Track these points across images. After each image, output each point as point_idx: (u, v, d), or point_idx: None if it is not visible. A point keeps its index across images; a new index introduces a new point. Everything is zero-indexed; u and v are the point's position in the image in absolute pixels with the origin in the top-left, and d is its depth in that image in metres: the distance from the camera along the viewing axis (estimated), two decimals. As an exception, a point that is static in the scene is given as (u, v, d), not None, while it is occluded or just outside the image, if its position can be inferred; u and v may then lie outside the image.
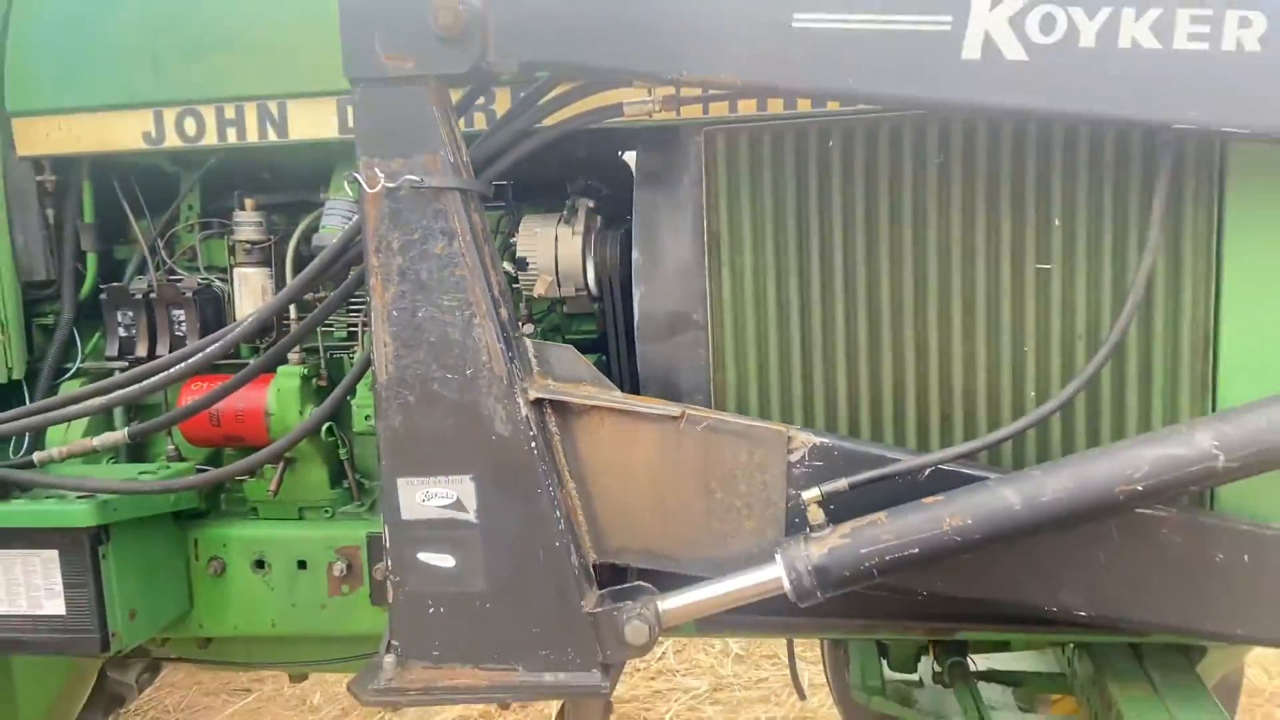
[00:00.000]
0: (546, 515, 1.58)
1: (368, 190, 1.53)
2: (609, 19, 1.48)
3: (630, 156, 2.01)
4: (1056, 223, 1.57)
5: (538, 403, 1.57)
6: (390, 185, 1.53)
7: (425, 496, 1.59)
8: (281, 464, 1.96)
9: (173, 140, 1.89)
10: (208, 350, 1.71)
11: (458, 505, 1.58)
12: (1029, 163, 1.57)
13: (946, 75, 1.40)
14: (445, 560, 1.60)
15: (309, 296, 1.94)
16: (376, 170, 1.53)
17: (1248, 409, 1.40)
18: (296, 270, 1.97)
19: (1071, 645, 2.04)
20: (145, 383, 1.74)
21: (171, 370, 1.72)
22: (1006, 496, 1.44)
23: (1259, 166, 1.49)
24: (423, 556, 1.61)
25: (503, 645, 1.61)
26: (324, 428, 1.91)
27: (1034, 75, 1.37)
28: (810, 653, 3.87)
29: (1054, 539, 1.51)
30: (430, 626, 1.62)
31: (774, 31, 1.43)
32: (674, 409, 1.59)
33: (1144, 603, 1.55)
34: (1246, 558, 1.52)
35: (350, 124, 1.83)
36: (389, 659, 1.63)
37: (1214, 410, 1.55)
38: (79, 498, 1.77)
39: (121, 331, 2.03)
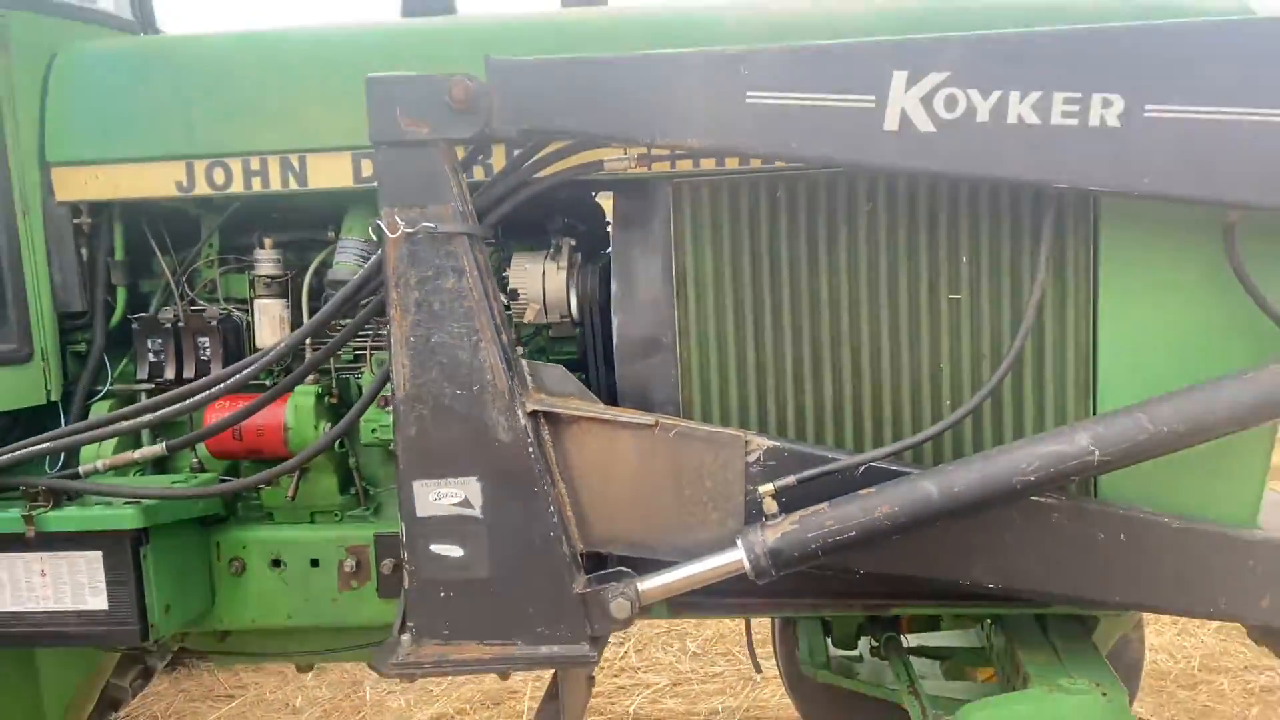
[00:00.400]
0: (542, 510, 1.85)
1: (389, 235, 1.80)
2: (593, 94, 1.77)
3: (601, 198, 2.32)
4: (965, 260, 1.89)
5: (534, 414, 1.85)
6: (409, 231, 1.80)
7: (437, 496, 1.86)
8: (297, 473, 2.20)
9: (202, 188, 2.14)
10: (245, 371, 1.97)
11: (465, 503, 1.85)
12: (941, 212, 1.89)
13: (871, 143, 1.71)
14: (454, 551, 1.87)
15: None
16: (397, 218, 1.80)
17: (1118, 413, 1.72)
18: (311, 300, 2.23)
19: (989, 621, 2.36)
20: (191, 399, 1.99)
21: (214, 389, 1.97)
22: (926, 488, 1.75)
23: (1125, 215, 1.82)
24: (435, 548, 1.87)
25: (504, 623, 1.88)
26: None
27: (941, 144, 1.69)
28: (763, 648, 4.18)
29: (967, 523, 1.81)
30: (441, 608, 1.88)
31: (731, 106, 1.73)
32: (649, 419, 1.88)
33: (1040, 576, 1.86)
34: (1122, 536, 1.84)
35: (361, 175, 2.09)
36: (405, 637, 1.89)
37: (1094, 412, 1.87)
38: (125, 503, 2.01)
39: (151, 357, 2.26)
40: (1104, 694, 1.86)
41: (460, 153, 1.88)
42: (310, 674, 4.02)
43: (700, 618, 3.29)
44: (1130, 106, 1.65)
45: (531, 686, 3.85)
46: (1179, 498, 1.86)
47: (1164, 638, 4.17)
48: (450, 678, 4.00)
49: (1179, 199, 1.71)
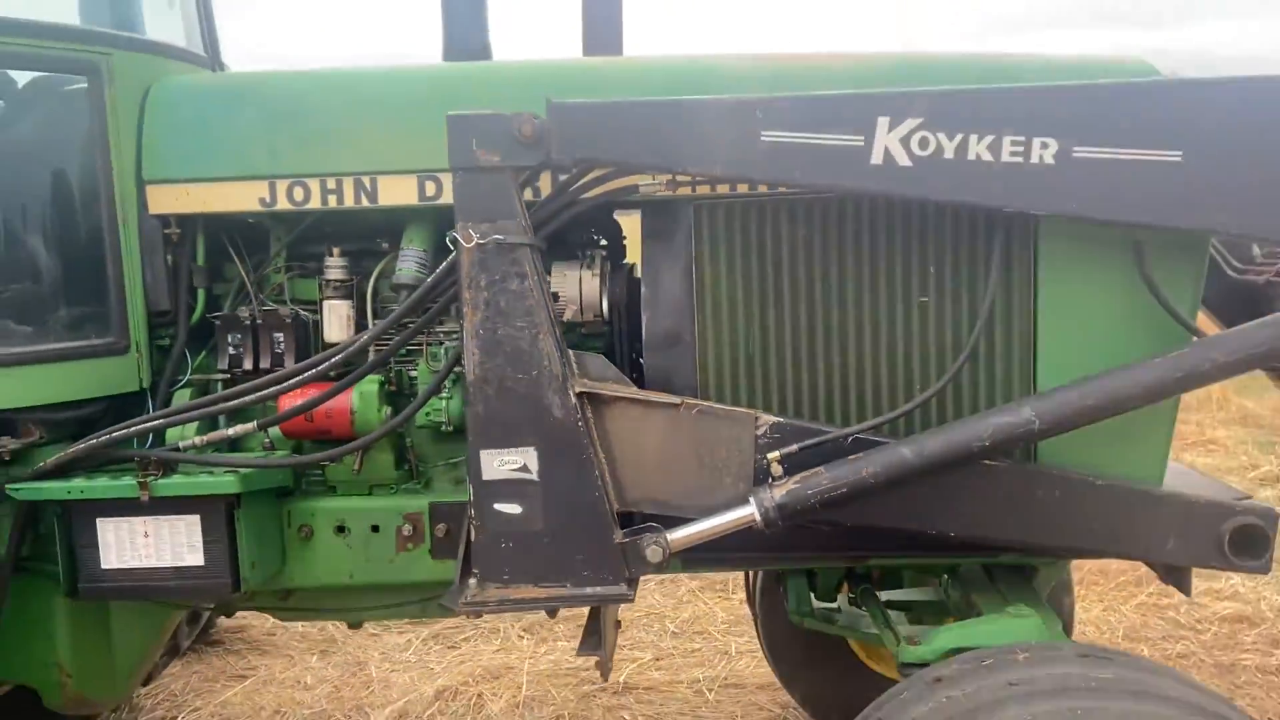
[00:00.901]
0: (587, 474, 2.23)
1: (464, 245, 2.17)
2: (635, 131, 2.16)
3: (619, 215, 2.70)
4: (932, 270, 2.32)
5: (581, 395, 2.23)
6: (481, 241, 2.17)
7: (500, 462, 2.22)
8: (362, 450, 2.55)
9: (283, 204, 2.48)
10: (333, 359, 2.32)
11: (524, 469, 2.22)
12: (914, 229, 2.31)
13: (860, 173, 2.13)
14: (514, 508, 2.23)
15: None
16: (470, 230, 2.17)
17: (1053, 391, 2.16)
18: (374, 302, 2.58)
19: (946, 577, 2.77)
20: (286, 384, 2.34)
21: (306, 375, 2.32)
22: (903, 452, 2.17)
23: (1059, 233, 2.26)
24: (498, 506, 2.23)
25: (555, 568, 2.24)
26: None
27: (915, 175, 2.11)
28: (735, 629, 4.58)
29: (935, 482, 2.22)
30: (502, 557, 2.24)
31: (749, 142, 2.13)
32: (675, 399, 2.27)
33: (992, 525, 2.29)
34: (1057, 493, 2.28)
35: (425, 194, 2.45)
36: (472, 581, 2.25)
37: (1034, 391, 2.31)
38: (225, 472, 2.34)
39: (230, 350, 2.58)
40: (1042, 619, 2.29)
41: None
42: (316, 658, 4.33)
43: (710, 571, 3.61)
44: (1062, 148, 2.09)
45: (528, 662, 4.20)
46: (1101, 461, 2.30)
47: (1091, 613, 4.66)
48: (450, 655, 4.33)
49: (1100, 221, 2.16)
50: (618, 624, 2.75)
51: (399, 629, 4.64)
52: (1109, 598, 4.86)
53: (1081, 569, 5.11)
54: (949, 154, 2.11)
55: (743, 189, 2.33)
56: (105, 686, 2.82)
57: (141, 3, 2.88)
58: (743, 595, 4.72)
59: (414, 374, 2.62)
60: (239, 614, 3.77)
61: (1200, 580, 5.04)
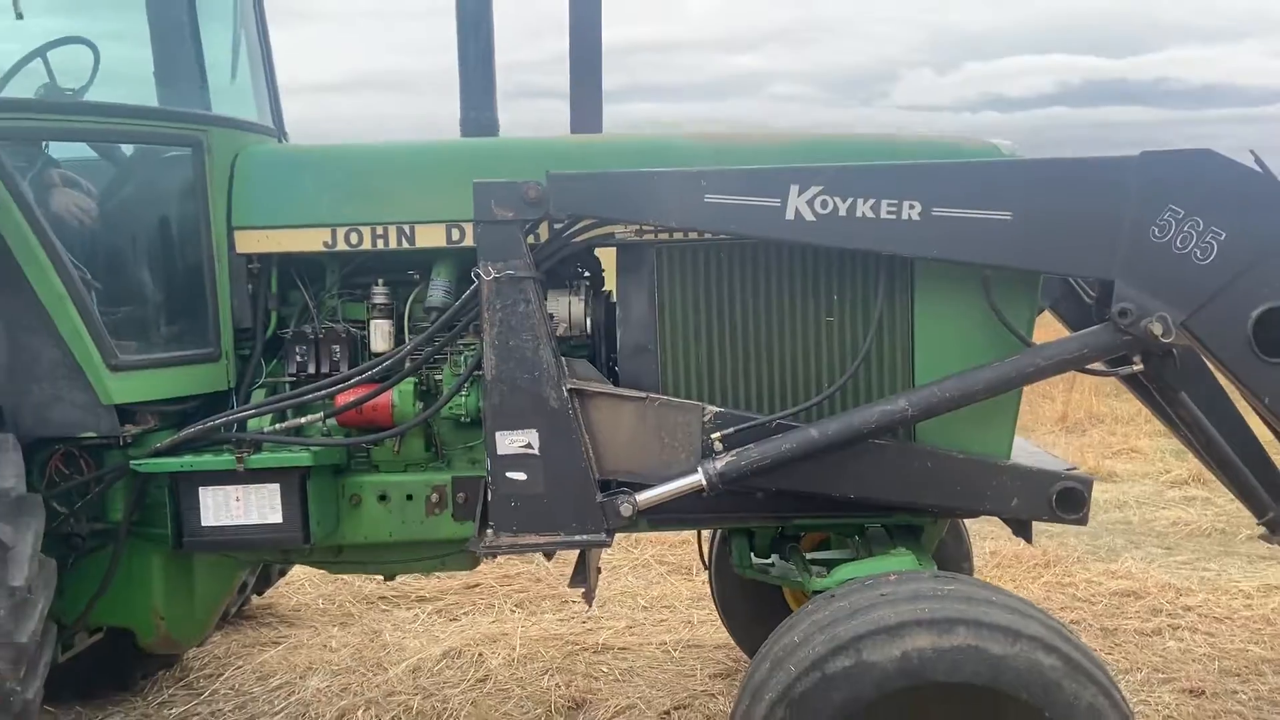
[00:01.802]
0: (576, 451, 2.95)
1: (484, 278, 2.91)
2: (612, 193, 2.92)
3: (599, 252, 3.44)
4: (835, 297, 3.08)
5: (571, 390, 2.96)
6: (497, 275, 2.91)
7: (511, 441, 2.95)
8: (400, 436, 3.27)
9: (341, 246, 3.21)
10: (379, 366, 3.06)
11: (529, 446, 2.94)
12: (820, 266, 3.07)
13: (777, 226, 2.88)
14: (521, 476, 2.95)
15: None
16: (489, 267, 2.91)
17: (923, 387, 2.93)
18: (409, 321, 3.31)
19: (856, 538, 3.51)
20: (343, 385, 3.06)
21: (365, 375, 3.05)
22: (812, 433, 2.92)
23: (928, 271, 3.02)
24: (509, 474, 2.96)
25: (552, 522, 2.96)
26: None
27: (819, 227, 2.87)
28: (697, 604, 5.30)
29: (837, 455, 2.96)
30: (512, 513, 2.96)
31: (696, 203, 2.89)
32: (642, 395, 3.01)
33: (881, 489, 3.03)
34: (929, 464, 3.04)
35: (451, 239, 3.20)
36: (489, 531, 2.97)
37: (912, 388, 3.06)
38: (302, 450, 3.06)
39: (298, 358, 3.30)
40: (916, 558, 3.05)
41: (524, 227, 3.00)
42: (337, 628, 5.02)
43: (669, 529, 4.15)
44: (925, 208, 2.85)
45: (520, 629, 4.91)
46: (963, 440, 3.05)
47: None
48: (452, 625, 5.03)
49: (954, 262, 2.93)
50: (598, 570, 3.47)
51: (407, 605, 5.35)
52: (1020, 578, 5.62)
53: (999, 555, 5.90)
54: (843, 212, 2.87)
55: (693, 236, 3.08)
56: (188, 630, 3.53)
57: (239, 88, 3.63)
58: (703, 577, 5.47)
59: (439, 378, 3.34)
60: (264, 593, 4.50)
61: (1099, 563, 5.88)
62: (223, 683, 4.42)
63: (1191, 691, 4.22)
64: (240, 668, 4.58)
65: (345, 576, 5.71)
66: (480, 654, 4.61)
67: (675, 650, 4.71)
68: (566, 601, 5.34)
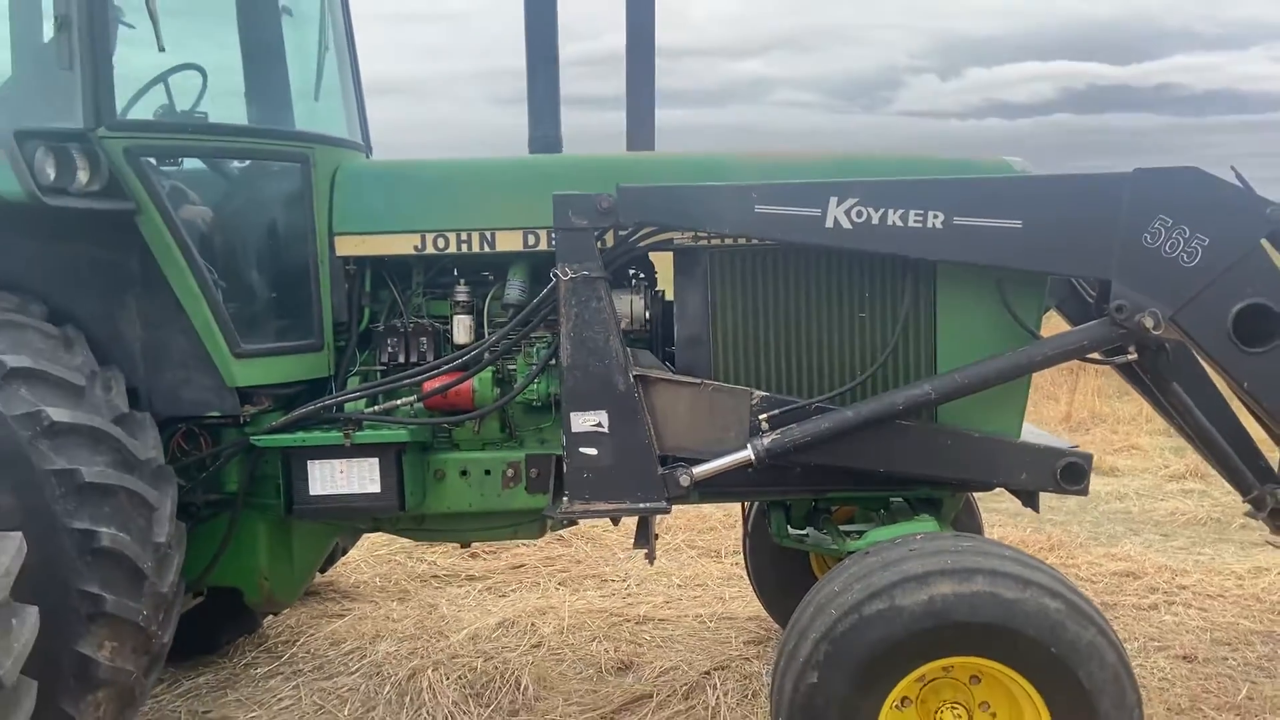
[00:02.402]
0: (640, 429, 3.37)
1: (562, 278, 3.33)
2: (672, 205, 3.34)
3: (653, 257, 3.86)
4: (867, 295, 3.51)
5: (636, 377, 3.38)
6: (573, 276, 3.33)
7: (584, 420, 3.37)
8: (480, 418, 3.69)
9: (429, 249, 3.63)
10: (475, 352, 3.48)
11: (599, 425, 3.36)
12: (855, 268, 3.50)
13: (818, 233, 3.31)
14: (592, 451, 3.37)
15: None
16: (566, 269, 3.33)
17: (944, 374, 3.35)
18: (495, 314, 3.72)
19: (882, 510, 3.93)
20: (431, 372, 3.49)
21: (454, 364, 3.48)
22: (848, 414, 3.34)
23: (950, 272, 3.45)
24: (581, 449, 3.37)
25: (619, 491, 3.37)
26: None
27: (854, 234, 3.30)
28: (728, 583, 5.72)
29: (870, 433, 3.38)
30: (585, 483, 3.37)
31: (748, 213, 3.32)
32: (698, 381, 3.44)
33: (908, 464, 3.45)
34: (949, 442, 3.46)
35: (527, 243, 3.62)
36: (564, 500, 3.39)
37: (934, 374, 3.48)
38: (399, 428, 3.48)
39: (389, 349, 3.73)
40: (937, 524, 3.47)
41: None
42: (396, 603, 5.44)
43: (718, 501, 4.53)
44: (947, 218, 3.28)
45: (567, 604, 5.33)
46: (979, 421, 3.47)
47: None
48: (503, 600, 5.45)
49: (972, 264, 3.36)
50: (656, 535, 3.89)
51: (458, 583, 5.77)
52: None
53: (1006, 540, 6.30)
54: (875, 221, 3.30)
55: (742, 241, 3.50)
56: (287, 590, 3.96)
57: (336, 110, 4.06)
58: (733, 560, 5.90)
59: (513, 367, 3.77)
60: (327, 571, 4.92)
61: (1100, 547, 6.28)
62: (299, 647, 4.84)
63: (1185, 658, 4.63)
64: (313, 635, 5.00)
65: (398, 557, 6.17)
66: (533, 623, 5.03)
67: (710, 621, 5.13)
68: (606, 580, 5.77)
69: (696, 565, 6.05)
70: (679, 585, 5.71)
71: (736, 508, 6.86)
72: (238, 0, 4.19)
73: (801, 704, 2.95)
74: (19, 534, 2.65)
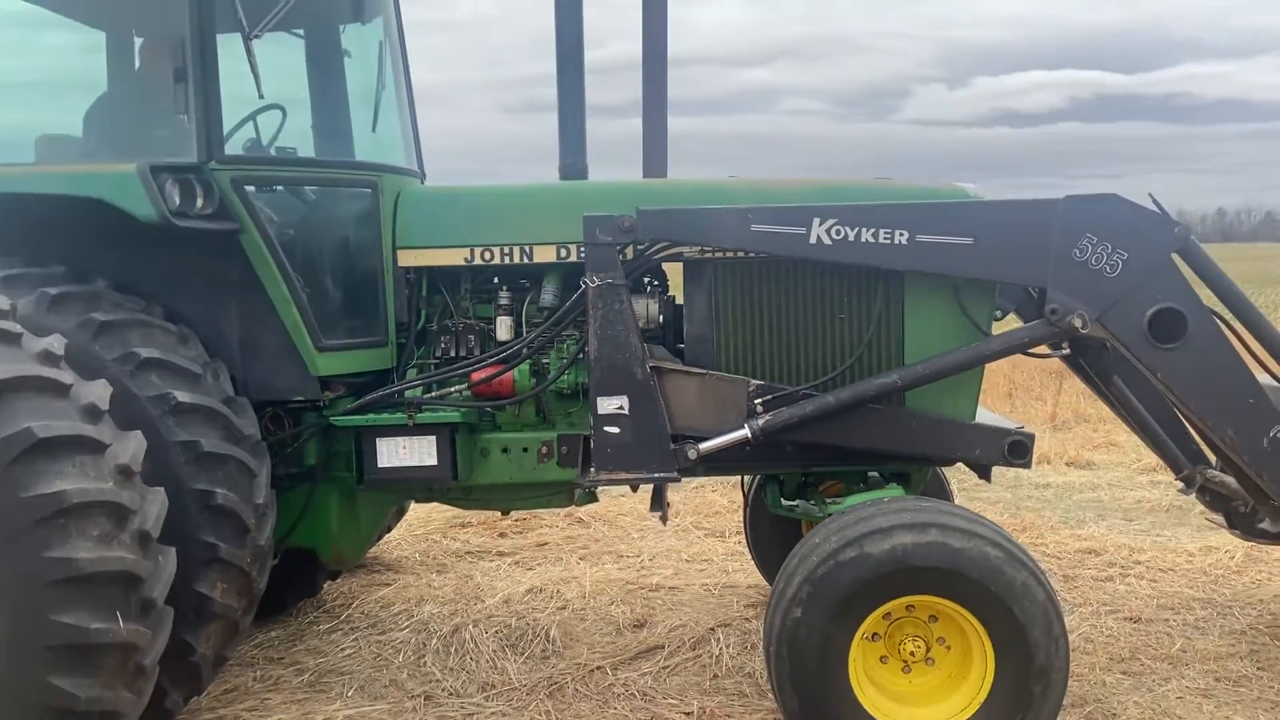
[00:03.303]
0: (656, 412, 4.03)
1: (590, 285, 3.99)
2: (683, 224, 4.02)
3: (665, 266, 4.53)
4: (845, 299, 4.17)
5: (652, 367, 4.05)
6: (599, 283, 4.00)
7: (608, 404, 4.02)
8: (519, 403, 4.36)
9: (478, 261, 4.31)
10: (518, 348, 4.16)
11: (621, 408, 4.01)
12: (836, 277, 4.16)
13: (803, 248, 3.98)
14: (615, 429, 4.03)
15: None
16: (594, 277, 4.00)
17: (909, 365, 4.02)
18: (531, 315, 4.39)
19: (862, 484, 4.58)
20: (486, 362, 4.17)
21: (497, 358, 4.15)
22: (829, 399, 4.01)
23: (915, 280, 4.11)
24: (606, 428, 4.03)
25: (637, 463, 4.03)
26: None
27: (834, 249, 3.96)
28: (730, 559, 6.38)
29: (848, 415, 4.03)
30: (609, 457, 4.02)
31: (744, 230, 3.99)
32: (703, 371, 4.10)
33: (880, 440, 4.11)
34: (914, 424, 4.12)
35: (560, 256, 4.29)
36: (591, 470, 4.05)
37: (902, 366, 4.14)
38: (453, 410, 4.15)
39: (442, 345, 4.40)
40: (905, 491, 4.13)
41: (617, 247, 4.10)
42: (435, 574, 6.11)
43: (721, 474, 5.31)
44: (912, 235, 3.94)
45: (588, 575, 5.99)
46: (939, 405, 4.13)
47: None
48: (529, 572, 6.11)
49: (933, 274, 4.02)
50: (668, 504, 4.54)
51: (489, 558, 6.44)
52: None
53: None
54: (852, 238, 3.96)
55: (741, 254, 4.17)
56: (353, 551, 4.64)
57: (395, 142, 4.75)
58: (735, 540, 6.56)
59: (546, 360, 4.44)
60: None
61: (1067, 528, 6.93)
62: (353, 609, 5.51)
63: (1131, 619, 5.27)
64: (365, 599, 5.67)
65: (434, 535, 6.85)
66: (558, 590, 5.70)
67: (715, 590, 5.79)
68: (622, 556, 6.43)
69: (703, 543, 6.71)
70: (687, 560, 6.37)
71: (739, 495, 7.54)
72: (306, 47, 4.87)
73: (788, 635, 3.61)
74: (161, 489, 3.32)
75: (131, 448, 3.15)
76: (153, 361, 3.62)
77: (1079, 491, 8.16)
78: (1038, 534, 6.73)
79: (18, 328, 3.09)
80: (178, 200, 3.68)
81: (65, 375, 3.08)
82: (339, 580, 5.94)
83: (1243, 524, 4.84)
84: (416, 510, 6.99)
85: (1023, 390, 12.52)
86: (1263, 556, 6.20)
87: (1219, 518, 4.97)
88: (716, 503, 7.58)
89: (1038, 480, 8.56)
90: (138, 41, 4.68)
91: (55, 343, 3.17)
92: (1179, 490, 4.77)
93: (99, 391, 3.16)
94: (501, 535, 6.84)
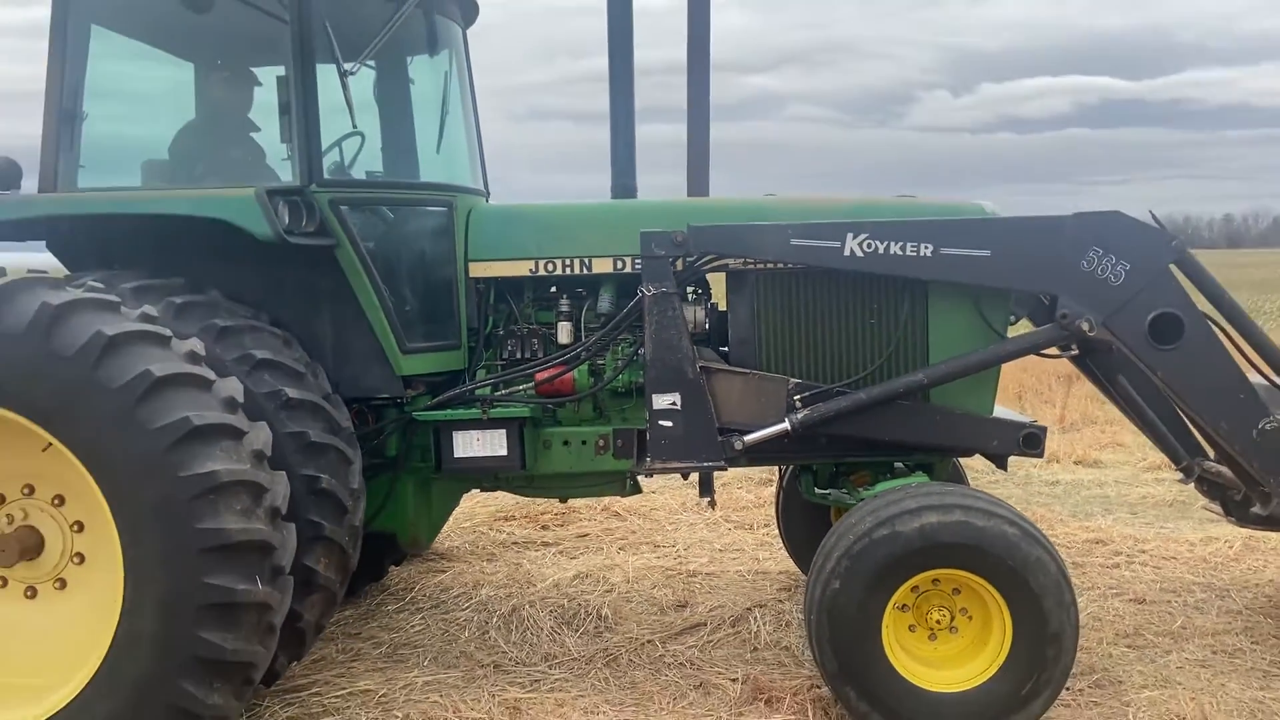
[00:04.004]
0: (705, 407, 4.48)
1: (646, 293, 4.46)
2: (729, 239, 4.48)
3: (710, 276, 4.99)
4: (875, 305, 4.63)
5: (701, 367, 4.51)
6: (654, 292, 4.46)
7: (662, 400, 4.48)
8: (579, 401, 4.83)
9: (541, 273, 4.78)
10: (577, 350, 4.63)
11: (674, 403, 4.47)
12: (867, 285, 4.61)
13: (838, 259, 4.44)
14: (668, 424, 4.49)
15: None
16: (650, 286, 4.47)
17: (934, 364, 4.48)
18: (589, 321, 4.86)
19: (889, 474, 5.03)
20: (549, 363, 4.64)
21: (559, 359, 4.62)
22: (861, 395, 4.47)
23: (938, 287, 4.57)
24: (660, 422, 4.49)
25: (688, 453, 4.48)
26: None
27: (866, 261, 4.42)
28: (761, 549, 6.83)
29: (878, 411, 4.49)
30: (662, 447, 4.48)
31: (785, 244, 4.45)
32: (747, 371, 4.56)
33: (906, 434, 4.57)
34: (938, 418, 4.58)
35: (616, 268, 4.76)
36: (648, 459, 4.51)
37: (926, 366, 4.60)
38: (522, 405, 4.62)
39: (509, 348, 4.87)
40: (928, 479, 4.58)
41: (669, 260, 4.57)
42: (486, 562, 6.57)
43: (762, 465, 5.80)
44: (935, 248, 4.40)
45: (630, 562, 6.45)
46: (960, 401, 4.59)
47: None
48: (574, 561, 6.57)
49: (955, 281, 4.48)
50: (714, 492, 5.01)
51: (535, 548, 6.90)
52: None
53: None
54: (881, 251, 4.42)
55: (781, 266, 4.63)
56: (427, 534, 5.11)
57: (463, 164, 5.24)
58: (764, 530, 7.01)
59: (602, 362, 4.90)
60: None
61: (1076, 520, 7.37)
62: (417, 592, 5.98)
63: (1136, 600, 5.72)
64: (426, 584, 6.14)
65: (481, 529, 7.31)
66: (604, 575, 6.16)
67: (749, 575, 6.24)
68: (659, 546, 6.89)
69: (734, 535, 7.17)
70: (720, 550, 6.83)
71: (765, 492, 8.00)
72: (375, 81, 5.34)
73: (828, 604, 4.06)
74: (283, 472, 3.79)
75: (263, 435, 3.62)
76: (266, 362, 4.09)
77: (1087, 488, 8.60)
78: (1048, 526, 7.17)
79: (166, 331, 3.56)
80: (287, 220, 4.16)
81: (208, 372, 3.55)
82: (400, 567, 6.41)
83: (1237, 511, 5.27)
84: (463, 505, 7.44)
85: (1032, 393, 12.95)
86: (1259, 546, 6.64)
87: (1216, 506, 5.41)
88: (744, 498, 8.04)
89: (1048, 478, 9.01)
90: (222, 74, 5.16)
91: (197, 344, 3.65)
92: (1179, 480, 5.21)
93: (234, 386, 3.63)
94: (544, 528, 7.31)
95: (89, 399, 3.32)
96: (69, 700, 3.44)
